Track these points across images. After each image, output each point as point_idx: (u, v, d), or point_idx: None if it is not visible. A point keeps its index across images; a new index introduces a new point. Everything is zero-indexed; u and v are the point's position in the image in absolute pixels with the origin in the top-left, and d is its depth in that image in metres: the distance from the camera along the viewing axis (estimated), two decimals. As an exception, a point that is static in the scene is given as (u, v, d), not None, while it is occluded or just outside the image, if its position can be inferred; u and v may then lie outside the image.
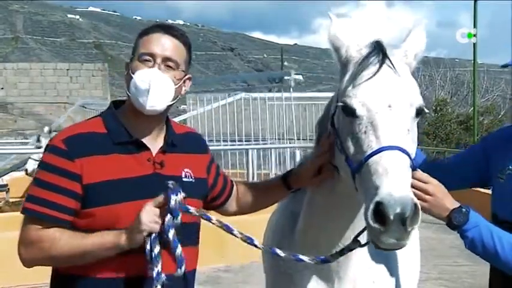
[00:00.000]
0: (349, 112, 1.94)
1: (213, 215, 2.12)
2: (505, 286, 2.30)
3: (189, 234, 2.15)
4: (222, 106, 13.42)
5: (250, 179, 11.22)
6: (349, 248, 2.14)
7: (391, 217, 1.68)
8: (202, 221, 2.24)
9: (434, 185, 2.09)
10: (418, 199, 2.04)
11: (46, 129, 13.26)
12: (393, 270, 2.45)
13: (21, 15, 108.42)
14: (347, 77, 2.02)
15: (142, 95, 2.04)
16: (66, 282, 2.09)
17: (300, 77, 13.39)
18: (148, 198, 2.01)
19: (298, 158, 11.44)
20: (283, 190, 2.41)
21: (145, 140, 2.13)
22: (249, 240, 2.13)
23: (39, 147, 10.87)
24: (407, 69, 2.02)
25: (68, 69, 32.00)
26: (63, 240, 1.99)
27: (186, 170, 2.19)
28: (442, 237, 9.05)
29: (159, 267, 1.94)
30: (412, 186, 2.01)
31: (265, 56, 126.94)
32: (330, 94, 2.39)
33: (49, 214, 2.00)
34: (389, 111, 1.88)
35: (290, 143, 13.60)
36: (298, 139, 13.68)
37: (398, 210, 1.68)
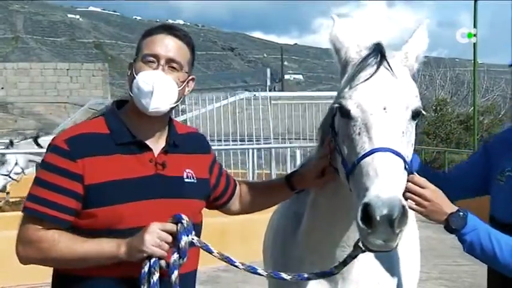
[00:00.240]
0: (345, 113, 1.94)
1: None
2: (504, 287, 2.29)
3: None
4: (223, 106, 13.41)
5: (250, 179, 11.22)
6: (351, 256, 2.14)
7: (378, 218, 1.69)
8: (203, 218, 2.26)
9: (431, 190, 2.08)
10: (416, 204, 2.05)
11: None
12: (395, 271, 2.45)
13: (22, 15, 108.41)
14: (345, 78, 2.02)
15: (145, 97, 2.04)
16: (68, 282, 2.09)
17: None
18: (150, 199, 2.02)
19: (298, 158, 11.43)
20: (286, 190, 2.41)
21: (147, 141, 2.12)
22: (252, 270, 2.16)
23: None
24: (406, 72, 2.01)
25: (68, 69, 31.94)
26: (63, 243, 1.99)
27: (187, 170, 2.19)
28: (443, 237, 9.03)
29: None
30: (409, 191, 2.02)
31: (265, 55, 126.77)
32: (330, 93, 2.39)
33: (49, 214, 2.00)
34: (384, 113, 1.88)
35: (290, 143, 13.60)
36: (298, 139, 13.67)
37: (385, 211, 1.69)
